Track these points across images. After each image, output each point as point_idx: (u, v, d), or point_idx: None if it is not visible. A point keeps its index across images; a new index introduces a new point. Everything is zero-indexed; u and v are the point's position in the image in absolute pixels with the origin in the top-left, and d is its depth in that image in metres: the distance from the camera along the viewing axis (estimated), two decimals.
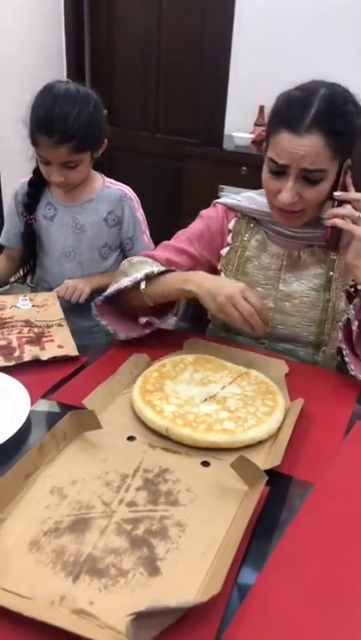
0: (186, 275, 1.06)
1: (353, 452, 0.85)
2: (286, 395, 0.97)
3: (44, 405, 0.92)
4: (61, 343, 1.06)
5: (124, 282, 1.08)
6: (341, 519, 0.72)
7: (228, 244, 1.19)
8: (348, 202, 0.99)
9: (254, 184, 1.79)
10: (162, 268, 1.09)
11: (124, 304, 1.13)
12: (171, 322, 1.19)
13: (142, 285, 1.06)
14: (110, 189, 1.41)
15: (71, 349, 1.04)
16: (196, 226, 1.21)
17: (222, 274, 1.19)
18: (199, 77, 2.92)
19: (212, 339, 1.16)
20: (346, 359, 1.01)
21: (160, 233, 1.65)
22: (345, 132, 0.96)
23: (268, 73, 2.64)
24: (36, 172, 1.36)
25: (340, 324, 1.03)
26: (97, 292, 1.36)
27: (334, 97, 0.97)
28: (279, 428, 0.87)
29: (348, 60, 2.47)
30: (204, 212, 1.23)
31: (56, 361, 1.02)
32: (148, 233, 1.48)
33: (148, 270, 1.08)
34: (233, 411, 0.88)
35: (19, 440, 0.82)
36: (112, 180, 1.44)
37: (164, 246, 1.22)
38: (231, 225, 1.19)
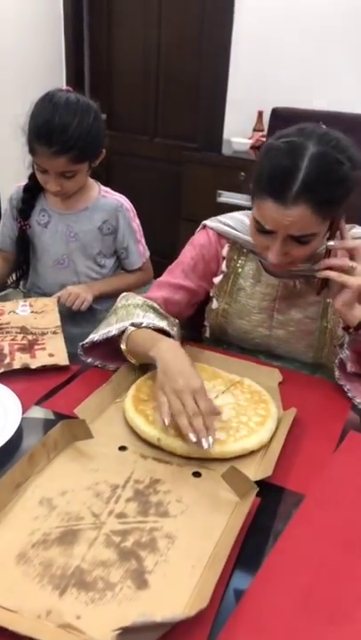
0: (156, 339, 0.96)
1: (345, 462, 0.85)
2: (279, 404, 0.97)
3: (36, 412, 0.92)
4: (53, 352, 1.06)
5: (112, 330, 1.02)
6: (333, 530, 0.72)
7: (223, 272, 1.14)
8: (345, 251, 0.94)
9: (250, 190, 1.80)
10: (148, 324, 1.01)
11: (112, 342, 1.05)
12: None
13: (122, 346, 1.00)
14: (106, 199, 1.40)
15: (62, 359, 1.04)
16: (189, 255, 1.15)
17: (215, 300, 1.16)
18: (198, 82, 2.92)
19: (207, 347, 1.16)
20: (349, 395, 1.00)
21: (159, 237, 1.65)
22: (335, 198, 0.90)
23: (268, 78, 2.65)
24: (32, 177, 1.35)
25: (336, 361, 1.02)
26: (99, 298, 1.37)
27: (324, 158, 0.87)
28: (272, 438, 0.86)
29: (347, 65, 2.47)
30: (195, 240, 1.16)
31: (49, 368, 1.01)
32: (143, 242, 1.48)
33: (134, 320, 1.01)
34: (225, 421, 0.88)
35: (10, 448, 0.82)
36: (108, 190, 1.43)
37: (159, 285, 1.16)
38: (225, 252, 1.13)
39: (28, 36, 2.85)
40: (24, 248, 1.43)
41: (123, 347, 1.00)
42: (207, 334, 1.23)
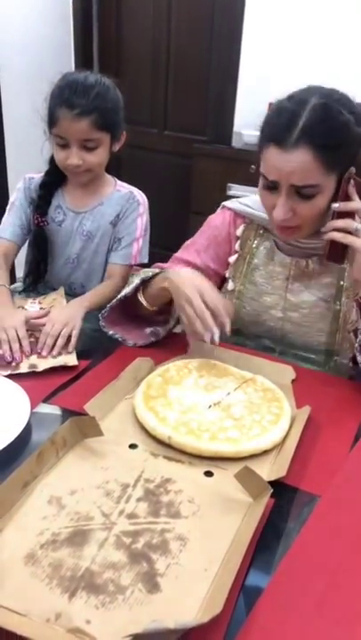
0: (167, 272, 1.04)
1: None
2: (293, 402, 0.94)
3: (45, 409, 0.90)
4: (61, 350, 1.04)
5: (125, 290, 1.07)
6: (348, 532, 0.70)
7: (237, 252, 1.16)
8: (351, 213, 0.94)
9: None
10: (156, 271, 1.07)
11: (129, 312, 1.11)
12: (180, 326, 1.16)
13: (140, 296, 1.06)
14: (120, 192, 1.37)
15: (71, 358, 1.02)
16: (203, 236, 1.19)
17: (230, 281, 1.17)
18: (208, 74, 2.88)
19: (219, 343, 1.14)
20: None
21: (168, 230, 1.62)
22: (338, 145, 0.90)
23: (278, 70, 2.61)
24: (49, 173, 1.32)
25: (357, 345, 1.00)
26: (92, 310, 1.23)
27: (326, 107, 0.90)
28: (285, 437, 0.84)
29: (359, 55, 2.43)
30: (211, 220, 1.19)
31: (61, 368, 1.00)
32: (140, 244, 1.37)
33: (143, 275, 1.06)
34: (238, 418, 0.86)
35: (19, 445, 0.80)
36: (124, 184, 1.40)
37: (172, 260, 1.21)
38: (239, 231, 1.15)
39: (37, 28, 2.84)
40: (42, 247, 1.38)
41: (142, 300, 1.06)
42: None
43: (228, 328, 0.92)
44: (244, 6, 2.63)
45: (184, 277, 0.98)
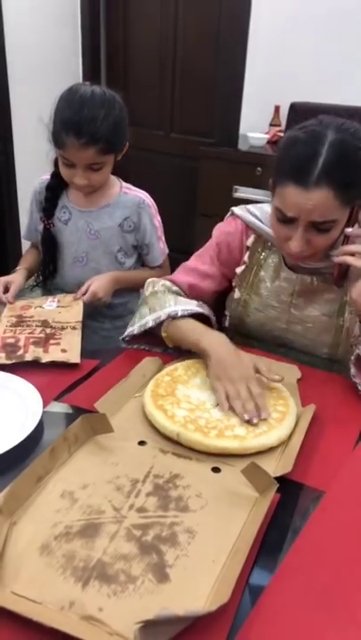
0: (202, 331, 1.03)
1: None
2: (298, 400, 0.96)
3: (56, 407, 0.93)
4: (66, 347, 1.07)
5: (149, 321, 1.07)
6: (353, 527, 0.72)
7: (245, 263, 1.17)
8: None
9: (269, 185, 1.78)
10: (184, 311, 1.06)
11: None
12: None
13: (163, 334, 1.07)
14: (128, 195, 1.40)
15: (74, 356, 1.04)
16: (216, 242, 1.19)
17: (236, 290, 1.18)
18: (215, 77, 2.90)
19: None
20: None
21: (175, 233, 1.64)
22: (355, 182, 0.92)
23: (284, 73, 2.63)
24: (54, 175, 1.35)
25: (353, 358, 1.01)
26: (119, 290, 1.37)
27: (344, 144, 0.91)
28: (291, 435, 0.86)
29: None
30: (222, 227, 1.20)
31: (68, 364, 1.02)
32: (163, 238, 1.48)
33: (170, 310, 1.06)
34: None
35: (32, 442, 0.83)
36: (130, 186, 1.43)
37: (185, 270, 1.20)
38: (249, 242, 1.16)
39: (45, 31, 2.87)
40: (50, 247, 1.42)
41: (163, 334, 1.06)
42: (227, 324, 1.23)
43: (265, 415, 0.88)
44: (250, 10, 2.65)
45: (226, 355, 0.96)
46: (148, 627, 0.52)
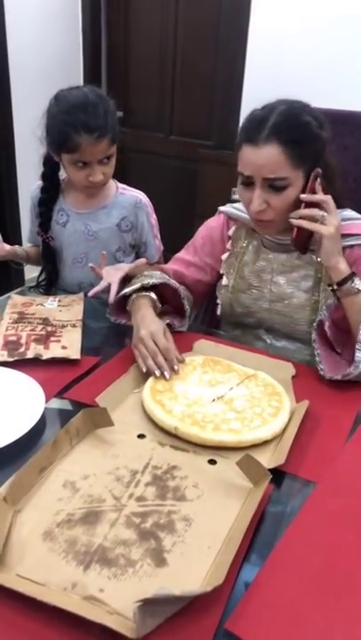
0: (139, 306, 1.14)
1: (357, 453, 0.87)
2: (292, 396, 0.99)
3: (57, 403, 0.96)
4: (66, 344, 1.10)
5: (125, 290, 1.18)
6: (343, 516, 0.75)
7: (228, 250, 1.28)
8: (316, 204, 1.03)
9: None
10: (154, 281, 1.17)
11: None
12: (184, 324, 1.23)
13: (127, 307, 1.18)
14: (124, 195, 1.43)
15: (74, 352, 1.07)
16: (200, 235, 1.32)
17: (224, 277, 1.28)
18: (214, 80, 2.94)
19: (221, 340, 1.19)
20: (317, 359, 1.06)
21: (175, 234, 1.68)
22: (302, 141, 1.02)
23: (284, 76, 2.65)
24: (45, 178, 1.39)
25: (314, 324, 1.08)
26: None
27: (291, 110, 1.04)
28: (285, 429, 0.89)
29: None
30: (208, 223, 1.32)
31: (69, 361, 1.05)
32: (159, 236, 1.52)
33: (145, 281, 1.17)
34: (240, 411, 0.91)
35: (34, 436, 0.86)
36: (125, 186, 1.46)
37: (174, 259, 1.33)
38: (231, 232, 1.27)
39: (46, 35, 2.90)
40: (50, 257, 1.46)
41: (127, 308, 1.18)
42: (219, 312, 1.31)
43: (176, 367, 1.00)
44: (249, 13, 2.68)
45: (141, 321, 1.08)
46: (147, 605, 0.55)
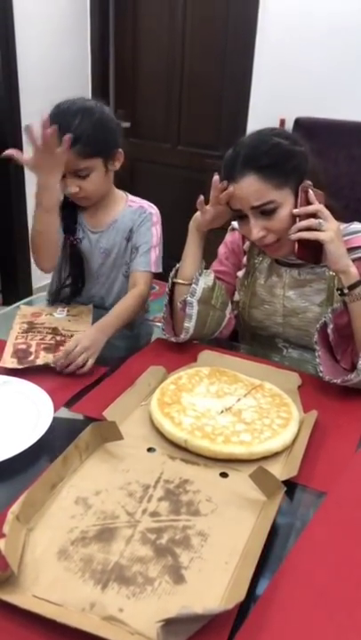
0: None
1: None
2: (300, 407, 0.99)
3: (66, 413, 0.95)
4: None
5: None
6: (353, 527, 0.75)
7: (245, 265, 1.29)
8: (312, 215, 1.04)
9: None
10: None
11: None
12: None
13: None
14: (132, 208, 1.40)
15: None
16: (223, 251, 1.34)
17: (236, 293, 1.30)
18: (221, 91, 2.95)
19: (225, 351, 1.19)
20: (317, 360, 1.06)
21: (181, 244, 1.66)
22: (275, 163, 1.05)
23: (290, 87, 2.67)
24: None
25: (318, 326, 1.08)
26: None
27: (258, 139, 1.09)
28: (294, 440, 0.89)
29: None
30: (226, 239, 1.34)
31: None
32: (157, 252, 1.39)
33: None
34: (249, 423, 0.91)
35: (43, 445, 0.85)
36: (135, 198, 1.43)
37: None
38: (246, 247, 1.29)
39: (55, 47, 2.92)
40: (78, 264, 1.40)
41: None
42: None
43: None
44: (256, 25, 2.69)
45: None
46: (170, 625, 0.54)
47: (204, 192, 1.18)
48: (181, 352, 1.16)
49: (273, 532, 0.72)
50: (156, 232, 1.41)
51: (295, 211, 1.05)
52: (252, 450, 0.84)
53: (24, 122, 2.80)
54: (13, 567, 0.61)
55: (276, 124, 2.71)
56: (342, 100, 2.49)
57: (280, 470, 0.83)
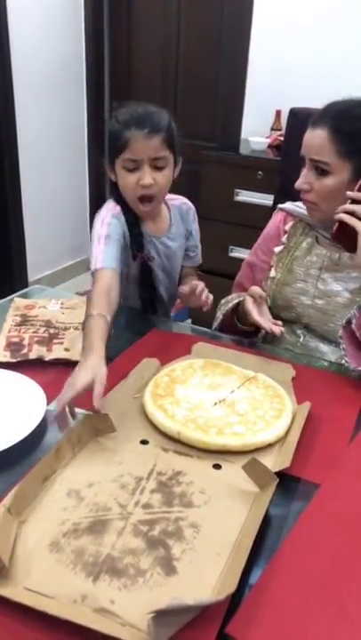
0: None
1: (360, 455, 0.87)
2: (293, 398, 0.99)
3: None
4: (69, 346, 1.09)
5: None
6: (346, 518, 0.75)
7: (283, 244, 1.30)
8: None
9: (269, 188, 1.78)
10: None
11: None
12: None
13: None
14: (175, 204, 1.39)
15: (76, 354, 1.06)
16: (261, 235, 1.38)
17: (273, 270, 1.30)
18: (217, 83, 2.93)
19: (219, 343, 1.19)
20: (342, 352, 1.06)
21: None
22: (353, 134, 1.06)
23: (285, 79, 2.66)
24: (126, 211, 1.28)
25: (343, 321, 1.08)
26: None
27: (355, 105, 1.10)
28: (287, 431, 0.89)
29: None
30: (270, 221, 1.38)
31: (69, 364, 1.04)
32: None
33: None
34: (243, 414, 0.90)
35: (36, 438, 0.85)
36: (170, 195, 1.37)
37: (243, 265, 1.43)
38: (288, 227, 1.31)
39: (49, 42, 2.89)
40: (151, 283, 1.35)
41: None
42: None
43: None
44: (251, 16, 2.68)
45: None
46: (160, 616, 0.54)
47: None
48: (176, 344, 1.16)
49: (266, 523, 0.72)
50: (198, 227, 1.47)
51: (349, 193, 1.05)
52: (245, 441, 0.84)
53: (18, 115, 2.77)
54: (5, 560, 0.61)
55: (273, 116, 2.70)
56: (338, 89, 2.48)
57: (273, 461, 0.83)
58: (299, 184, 1.14)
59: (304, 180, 1.13)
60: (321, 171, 1.10)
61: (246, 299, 1.16)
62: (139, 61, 3.13)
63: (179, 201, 1.42)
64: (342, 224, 1.04)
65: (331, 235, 1.08)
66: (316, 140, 1.09)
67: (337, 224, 1.05)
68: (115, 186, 1.27)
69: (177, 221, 1.39)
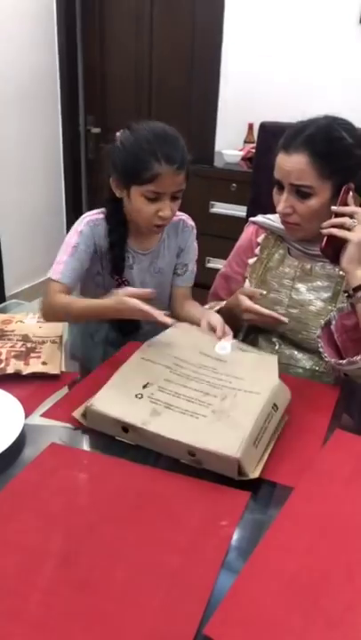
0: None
1: (332, 458, 0.88)
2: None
3: (37, 419, 0.95)
4: (46, 360, 1.10)
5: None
6: (319, 520, 0.76)
7: (256, 255, 1.33)
8: (347, 215, 1.05)
9: (244, 200, 1.81)
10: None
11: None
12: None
13: None
14: (172, 220, 1.29)
15: (54, 367, 1.07)
16: (234, 248, 1.40)
17: (247, 281, 1.31)
18: (190, 97, 2.99)
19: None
20: (320, 349, 1.08)
21: None
22: (331, 154, 1.08)
23: (257, 92, 2.71)
24: (113, 231, 1.26)
25: (322, 321, 1.10)
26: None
27: (329, 125, 1.10)
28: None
29: (336, 80, 2.54)
30: (242, 235, 1.39)
31: (47, 377, 1.06)
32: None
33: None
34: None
35: (14, 452, 0.86)
36: None
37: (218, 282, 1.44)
38: (260, 239, 1.33)
39: (22, 54, 2.90)
40: None
41: None
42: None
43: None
44: (222, 33, 2.74)
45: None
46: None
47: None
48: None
49: (244, 525, 0.75)
50: (196, 245, 1.41)
51: (334, 208, 1.07)
52: None
53: None
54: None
55: (245, 129, 2.75)
56: (309, 103, 2.52)
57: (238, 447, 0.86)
58: (281, 209, 1.14)
59: (286, 204, 1.13)
60: (303, 194, 1.11)
61: (241, 298, 1.17)
62: (112, 77, 3.18)
63: (177, 217, 1.35)
64: (330, 237, 1.05)
65: (320, 249, 1.08)
66: (295, 165, 1.09)
67: (325, 238, 1.06)
68: (115, 199, 1.24)
69: (169, 237, 1.35)
